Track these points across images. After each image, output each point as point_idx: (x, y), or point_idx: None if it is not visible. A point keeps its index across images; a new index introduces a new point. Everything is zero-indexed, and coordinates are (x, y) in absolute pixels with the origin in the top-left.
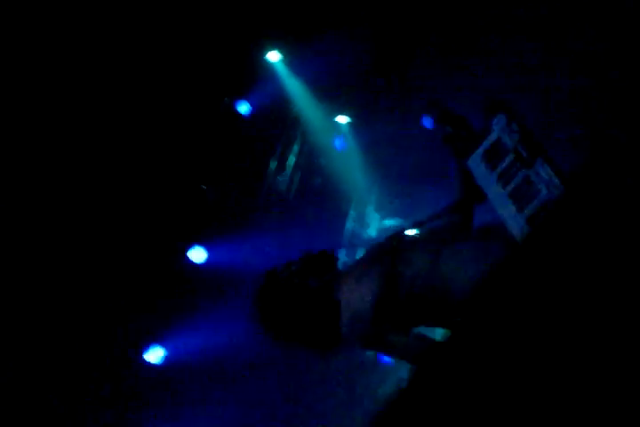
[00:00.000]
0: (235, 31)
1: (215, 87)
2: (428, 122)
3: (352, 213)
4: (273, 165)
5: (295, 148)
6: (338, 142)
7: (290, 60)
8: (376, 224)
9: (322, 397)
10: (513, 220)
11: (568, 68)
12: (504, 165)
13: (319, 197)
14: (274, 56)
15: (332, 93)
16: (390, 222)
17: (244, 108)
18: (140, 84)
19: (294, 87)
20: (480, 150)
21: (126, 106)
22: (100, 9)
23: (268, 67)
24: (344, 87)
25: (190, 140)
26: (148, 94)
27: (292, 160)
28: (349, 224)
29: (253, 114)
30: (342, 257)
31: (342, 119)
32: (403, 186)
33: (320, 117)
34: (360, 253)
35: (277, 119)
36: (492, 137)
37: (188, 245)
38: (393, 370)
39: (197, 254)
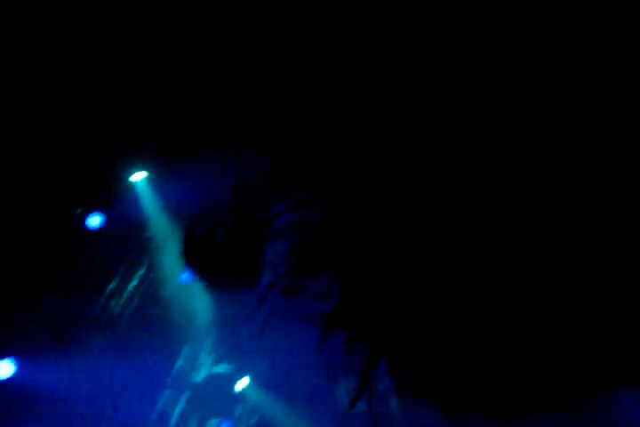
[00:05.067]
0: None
1: (69, 198)
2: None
3: (185, 352)
4: (112, 285)
5: (140, 272)
6: (186, 275)
7: (156, 183)
8: (206, 368)
9: None
10: None
11: None
12: None
13: (153, 328)
14: (138, 175)
15: (189, 223)
16: (221, 369)
17: (95, 221)
18: None
19: (153, 210)
20: None
21: None
22: None
23: (131, 185)
24: (202, 218)
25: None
26: None
27: (132, 285)
28: (179, 362)
29: (104, 229)
30: (163, 400)
31: None
32: (242, 334)
33: (173, 246)
34: (185, 396)
35: (128, 239)
36: None
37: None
38: None
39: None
